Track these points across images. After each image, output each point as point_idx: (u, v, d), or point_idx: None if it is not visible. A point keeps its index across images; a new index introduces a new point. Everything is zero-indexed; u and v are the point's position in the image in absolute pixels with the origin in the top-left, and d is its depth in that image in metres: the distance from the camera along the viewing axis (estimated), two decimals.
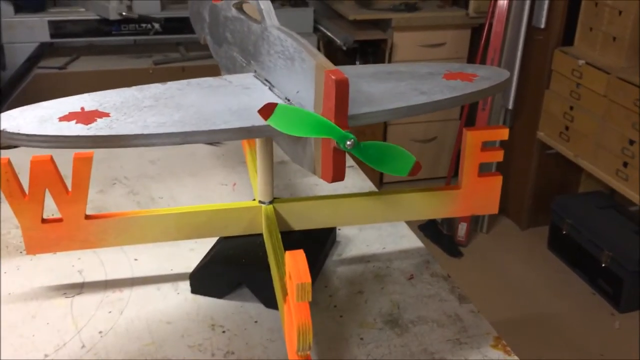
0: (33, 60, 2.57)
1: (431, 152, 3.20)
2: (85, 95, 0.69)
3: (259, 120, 0.58)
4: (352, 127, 0.60)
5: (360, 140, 0.59)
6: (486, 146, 0.80)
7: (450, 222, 2.74)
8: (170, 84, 0.73)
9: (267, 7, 0.70)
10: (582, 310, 2.39)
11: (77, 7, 2.65)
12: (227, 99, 0.68)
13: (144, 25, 2.60)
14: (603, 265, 2.36)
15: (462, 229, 2.75)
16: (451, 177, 2.98)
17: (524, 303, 2.44)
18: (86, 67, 2.55)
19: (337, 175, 0.59)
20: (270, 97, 0.67)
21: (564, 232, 2.59)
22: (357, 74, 0.75)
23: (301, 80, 0.62)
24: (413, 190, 0.81)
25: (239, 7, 0.80)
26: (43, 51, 2.63)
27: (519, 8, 2.63)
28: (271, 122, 0.57)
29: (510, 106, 2.77)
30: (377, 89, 0.70)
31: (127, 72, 2.55)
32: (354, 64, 2.97)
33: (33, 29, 2.53)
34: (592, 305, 2.41)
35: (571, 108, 2.46)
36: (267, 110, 0.57)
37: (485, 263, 2.69)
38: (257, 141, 0.78)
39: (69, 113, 0.64)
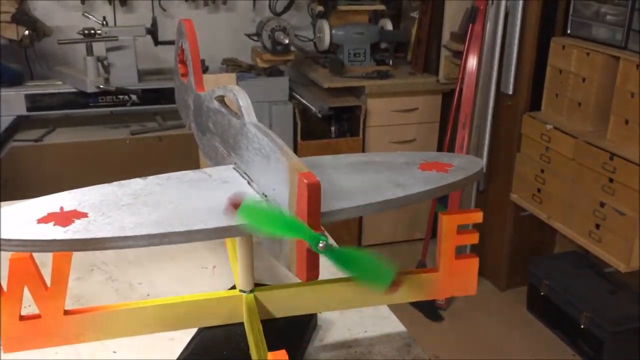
0: (9, 132, 2.57)
1: (408, 215, 3.23)
2: (65, 194, 0.69)
3: (238, 220, 0.59)
4: (328, 222, 0.62)
5: None
6: (461, 229, 0.82)
7: None
8: (150, 178, 0.74)
9: (245, 104, 0.72)
10: None
11: (54, 81, 2.68)
12: (206, 194, 0.69)
13: (121, 96, 2.63)
14: (582, 326, 2.38)
15: None
16: (429, 239, 3.00)
17: None
18: (62, 139, 2.56)
19: (311, 274, 0.60)
20: (248, 193, 0.68)
21: (542, 293, 2.61)
22: (334, 164, 0.77)
23: (277, 178, 0.63)
24: None
25: (221, 100, 0.83)
26: (20, 123, 2.64)
27: (487, 75, 2.72)
28: (241, 218, 0.56)
29: (483, 169, 2.82)
30: (352, 181, 0.72)
31: (103, 143, 2.57)
32: (330, 129, 3.03)
33: (10, 103, 2.54)
34: None
35: (542, 171, 2.53)
36: (234, 206, 0.56)
37: (466, 326, 2.69)
38: None
39: (48, 214, 0.64)
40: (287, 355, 0.55)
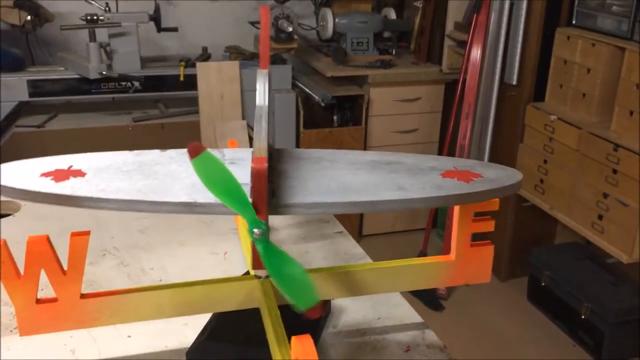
0: (11, 118, 2.56)
1: None
2: (83, 155, 0.71)
3: (206, 198, 0.60)
4: (296, 214, 0.62)
5: None
6: (477, 216, 0.82)
7: None
8: (168, 152, 0.74)
9: (260, 88, 0.72)
10: None
11: (57, 66, 2.66)
12: None
13: (123, 83, 2.62)
14: (583, 317, 2.38)
15: None
16: (430, 229, 3.00)
17: (504, 356, 2.43)
18: (64, 125, 2.54)
19: (256, 264, 0.60)
20: (244, 175, 0.67)
21: (543, 284, 2.61)
22: (352, 160, 0.75)
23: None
24: (406, 261, 0.82)
25: None
26: (21, 109, 2.62)
27: (491, 65, 2.72)
28: (194, 164, 0.55)
29: (486, 160, 2.82)
30: (357, 179, 0.70)
31: (105, 130, 2.56)
32: (332, 118, 3.02)
33: (12, 88, 2.52)
34: (573, 358, 2.42)
35: (545, 162, 2.53)
36: (193, 151, 0.54)
37: (467, 316, 2.69)
38: None
39: (55, 170, 0.68)
40: (311, 339, 0.55)
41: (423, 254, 2.93)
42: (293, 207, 0.64)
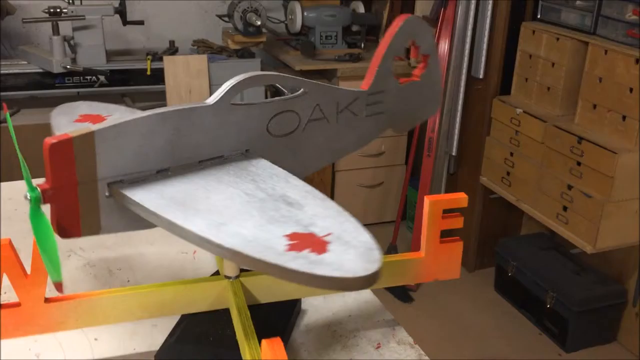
0: None
1: (378, 197, 3.25)
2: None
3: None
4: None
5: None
6: (446, 213, 0.82)
7: None
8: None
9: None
10: (530, 352, 2.45)
11: (19, 60, 2.60)
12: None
13: (88, 77, 2.57)
14: (548, 306, 2.43)
15: None
16: (400, 221, 3.02)
17: (473, 346, 2.48)
18: (27, 121, 2.48)
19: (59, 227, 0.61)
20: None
21: (509, 274, 2.66)
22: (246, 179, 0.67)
23: None
24: None
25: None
26: None
27: (459, 59, 2.74)
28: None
29: (454, 152, 2.86)
30: (214, 197, 0.63)
31: None
32: None
33: None
34: (539, 346, 2.48)
35: (511, 154, 2.57)
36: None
37: (435, 307, 2.73)
38: None
39: (95, 115, 0.85)
40: (282, 342, 0.54)
41: (393, 246, 2.95)
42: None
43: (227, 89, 0.69)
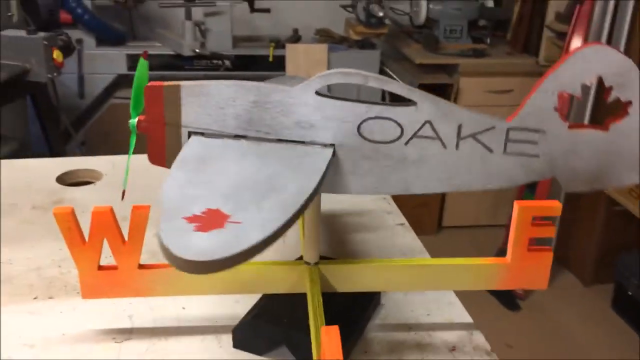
0: (110, 90, 2.71)
1: (492, 199, 3.15)
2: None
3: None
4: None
5: None
6: (536, 221, 0.79)
7: None
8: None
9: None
10: None
11: (154, 42, 2.78)
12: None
13: (215, 61, 2.70)
14: None
15: None
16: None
17: None
18: None
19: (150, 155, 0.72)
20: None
21: (629, 293, 2.48)
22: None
23: None
24: (461, 260, 0.80)
25: None
26: (120, 82, 2.77)
27: None
28: (139, 62, 0.74)
29: None
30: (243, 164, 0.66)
31: None
32: None
33: (112, 61, 2.67)
34: None
35: None
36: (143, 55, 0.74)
37: (544, 318, 2.60)
38: None
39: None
40: (338, 331, 0.55)
41: (502, 251, 2.85)
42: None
43: (314, 78, 0.70)
